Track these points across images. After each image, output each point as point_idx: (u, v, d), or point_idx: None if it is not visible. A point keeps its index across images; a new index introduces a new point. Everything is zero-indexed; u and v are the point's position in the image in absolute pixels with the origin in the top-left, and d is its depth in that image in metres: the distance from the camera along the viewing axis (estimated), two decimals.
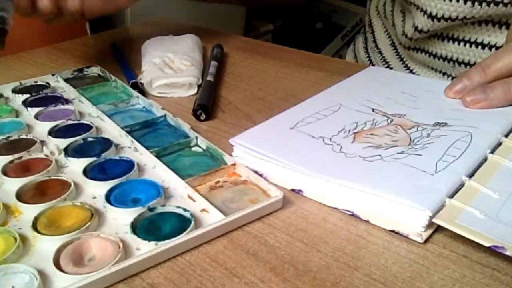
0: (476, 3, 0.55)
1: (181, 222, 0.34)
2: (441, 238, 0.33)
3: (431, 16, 0.58)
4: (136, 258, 0.30)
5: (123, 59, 0.64)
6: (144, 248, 0.32)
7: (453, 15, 0.57)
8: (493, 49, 0.59)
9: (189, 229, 0.33)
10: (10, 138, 0.45)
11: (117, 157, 0.42)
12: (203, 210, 0.36)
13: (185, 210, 0.34)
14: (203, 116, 0.50)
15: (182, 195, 0.37)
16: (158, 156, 0.42)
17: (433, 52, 0.64)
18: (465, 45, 0.60)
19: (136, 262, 0.30)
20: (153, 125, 0.48)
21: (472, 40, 0.59)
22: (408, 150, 0.38)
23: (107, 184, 0.38)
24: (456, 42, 0.60)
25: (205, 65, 0.61)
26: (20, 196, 0.37)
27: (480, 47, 0.59)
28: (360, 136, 0.41)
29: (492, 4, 0.54)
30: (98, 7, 0.58)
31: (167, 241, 0.31)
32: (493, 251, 0.30)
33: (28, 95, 0.54)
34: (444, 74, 0.65)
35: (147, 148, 0.42)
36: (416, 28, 0.61)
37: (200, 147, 0.44)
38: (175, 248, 0.32)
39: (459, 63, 0.61)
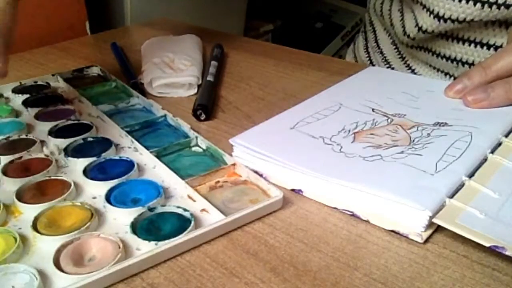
0: (486, 6, 0.53)
1: (181, 222, 0.34)
2: (441, 238, 0.33)
3: (438, 17, 0.57)
4: (136, 258, 0.30)
5: (123, 59, 0.64)
6: (144, 248, 0.32)
7: (461, 16, 0.56)
8: (499, 50, 0.58)
9: (189, 229, 0.33)
10: (10, 138, 0.45)
11: (117, 157, 0.42)
12: (203, 210, 0.35)
13: (185, 210, 0.34)
14: (203, 116, 0.49)
15: (182, 195, 0.37)
16: (158, 156, 0.42)
17: (437, 52, 0.63)
18: (470, 45, 0.59)
19: (136, 262, 0.30)
20: (153, 125, 0.48)
21: (478, 40, 0.58)
22: (408, 150, 0.38)
23: (107, 184, 0.38)
24: (461, 42, 0.59)
25: (205, 65, 0.61)
26: (20, 196, 0.37)
27: (485, 47, 0.58)
28: (360, 136, 0.41)
29: (502, 7, 0.53)
30: None
31: (167, 241, 0.31)
32: (493, 251, 0.30)
33: (28, 95, 0.54)
34: (446, 74, 0.64)
35: (147, 148, 0.42)
36: (420, 29, 0.60)
37: (200, 147, 0.44)
38: (175, 248, 0.32)
39: (463, 63, 0.60)
